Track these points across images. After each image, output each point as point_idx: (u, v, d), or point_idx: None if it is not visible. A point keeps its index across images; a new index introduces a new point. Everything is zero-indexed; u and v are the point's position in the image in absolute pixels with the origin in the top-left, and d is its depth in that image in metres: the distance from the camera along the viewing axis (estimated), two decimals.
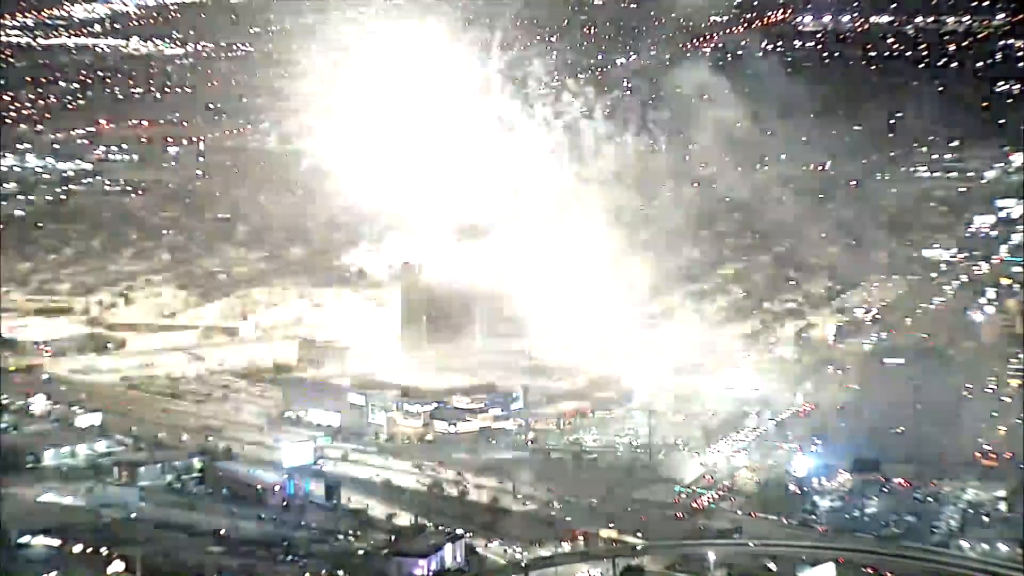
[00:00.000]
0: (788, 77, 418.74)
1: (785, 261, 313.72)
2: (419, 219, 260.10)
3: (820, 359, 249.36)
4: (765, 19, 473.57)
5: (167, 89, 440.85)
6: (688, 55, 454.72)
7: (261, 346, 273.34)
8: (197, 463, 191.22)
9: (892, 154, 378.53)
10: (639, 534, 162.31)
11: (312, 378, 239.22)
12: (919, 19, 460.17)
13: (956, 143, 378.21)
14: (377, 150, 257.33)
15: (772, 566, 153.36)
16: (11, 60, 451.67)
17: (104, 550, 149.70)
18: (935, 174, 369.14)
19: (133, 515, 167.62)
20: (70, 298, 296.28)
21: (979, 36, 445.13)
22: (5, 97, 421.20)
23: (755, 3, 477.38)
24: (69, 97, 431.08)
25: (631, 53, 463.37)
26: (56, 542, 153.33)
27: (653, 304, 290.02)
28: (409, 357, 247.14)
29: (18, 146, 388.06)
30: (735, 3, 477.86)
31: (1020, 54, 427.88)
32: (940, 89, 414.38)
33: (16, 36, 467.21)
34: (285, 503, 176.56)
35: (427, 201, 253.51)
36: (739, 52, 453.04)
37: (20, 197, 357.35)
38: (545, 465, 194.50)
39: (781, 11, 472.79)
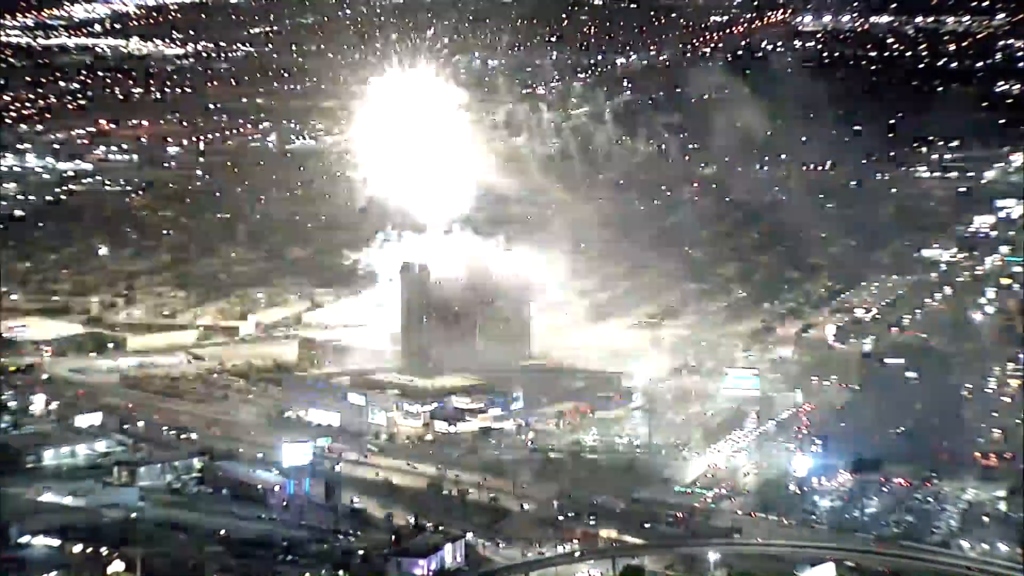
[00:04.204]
0: (788, 77, 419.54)
1: (785, 261, 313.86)
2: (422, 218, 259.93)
3: (820, 359, 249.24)
4: (765, 19, 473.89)
5: (167, 89, 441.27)
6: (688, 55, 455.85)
7: (261, 346, 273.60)
8: (197, 463, 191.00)
9: (892, 154, 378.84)
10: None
11: (312, 377, 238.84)
12: (919, 19, 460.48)
13: (956, 143, 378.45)
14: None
15: (772, 566, 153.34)
16: (11, 60, 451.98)
17: (104, 550, 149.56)
18: (935, 174, 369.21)
19: (133, 515, 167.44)
20: (70, 298, 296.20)
21: (979, 36, 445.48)
22: (5, 97, 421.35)
23: (755, 3, 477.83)
24: (69, 97, 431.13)
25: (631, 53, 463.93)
26: (56, 542, 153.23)
27: (653, 304, 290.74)
28: (409, 357, 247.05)
29: (18, 146, 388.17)
30: (735, 3, 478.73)
31: (1020, 54, 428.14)
32: (940, 89, 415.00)
33: (16, 36, 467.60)
34: (285, 503, 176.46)
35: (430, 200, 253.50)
36: (739, 52, 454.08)
37: (20, 197, 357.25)
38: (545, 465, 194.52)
39: (781, 11, 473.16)
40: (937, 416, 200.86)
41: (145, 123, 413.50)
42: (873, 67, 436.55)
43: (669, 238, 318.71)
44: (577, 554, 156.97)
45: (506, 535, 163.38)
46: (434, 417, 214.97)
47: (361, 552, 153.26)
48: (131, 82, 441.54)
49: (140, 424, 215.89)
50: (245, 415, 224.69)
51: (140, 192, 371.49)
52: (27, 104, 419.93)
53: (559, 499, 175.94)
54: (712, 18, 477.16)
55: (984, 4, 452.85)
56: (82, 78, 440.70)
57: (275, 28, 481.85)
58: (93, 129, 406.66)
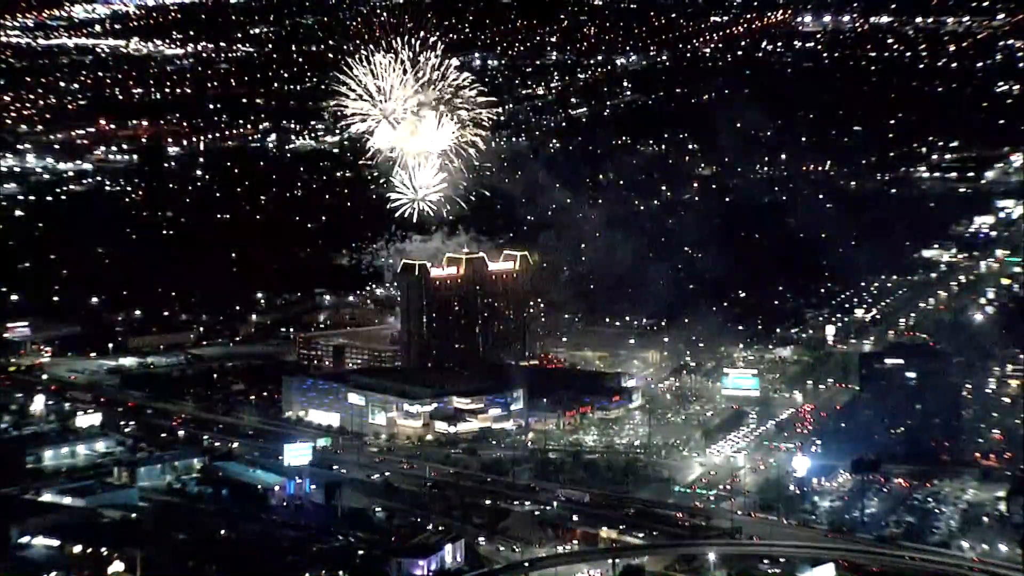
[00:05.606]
0: (788, 78, 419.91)
1: (786, 261, 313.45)
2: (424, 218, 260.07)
3: (820, 359, 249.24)
4: (765, 19, 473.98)
5: (167, 89, 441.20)
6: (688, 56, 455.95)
7: (261, 346, 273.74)
8: (197, 463, 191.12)
9: (892, 154, 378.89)
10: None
11: (312, 377, 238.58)
12: (919, 19, 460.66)
13: (956, 143, 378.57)
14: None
15: (772, 566, 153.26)
16: (11, 60, 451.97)
17: (104, 550, 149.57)
18: (935, 174, 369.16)
19: (133, 515, 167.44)
20: (70, 298, 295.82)
21: (979, 36, 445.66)
22: (5, 97, 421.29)
23: (755, 3, 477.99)
24: (69, 97, 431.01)
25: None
26: (56, 542, 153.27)
27: (654, 304, 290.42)
28: (409, 357, 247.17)
29: (18, 146, 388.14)
30: (735, 3, 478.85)
31: (1020, 54, 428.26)
32: (940, 89, 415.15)
33: (16, 36, 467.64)
34: (285, 503, 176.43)
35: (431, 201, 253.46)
36: (739, 52, 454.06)
37: (20, 197, 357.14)
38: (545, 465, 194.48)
39: (781, 11, 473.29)
40: (937, 416, 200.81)
41: (145, 123, 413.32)
42: (873, 67, 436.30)
43: (670, 238, 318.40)
44: (577, 554, 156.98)
45: (507, 535, 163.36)
46: (434, 417, 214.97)
47: (361, 552, 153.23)
48: (131, 82, 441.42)
49: (140, 424, 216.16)
50: (245, 415, 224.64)
51: (140, 192, 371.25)
52: (27, 104, 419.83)
53: (558, 499, 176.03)
54: (712, 18, 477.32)
55: (984, 4, 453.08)
56: (82, 78, 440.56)
57: (275, 28, 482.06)
58: (93, 129, 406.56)
